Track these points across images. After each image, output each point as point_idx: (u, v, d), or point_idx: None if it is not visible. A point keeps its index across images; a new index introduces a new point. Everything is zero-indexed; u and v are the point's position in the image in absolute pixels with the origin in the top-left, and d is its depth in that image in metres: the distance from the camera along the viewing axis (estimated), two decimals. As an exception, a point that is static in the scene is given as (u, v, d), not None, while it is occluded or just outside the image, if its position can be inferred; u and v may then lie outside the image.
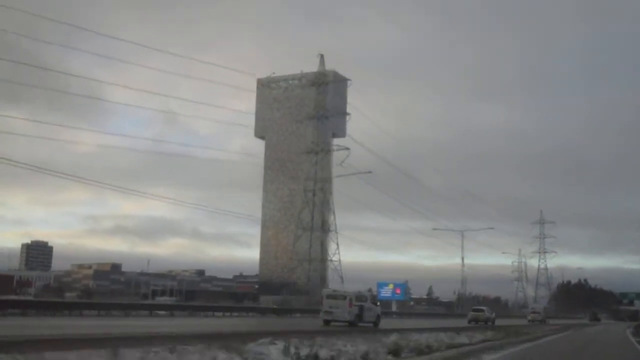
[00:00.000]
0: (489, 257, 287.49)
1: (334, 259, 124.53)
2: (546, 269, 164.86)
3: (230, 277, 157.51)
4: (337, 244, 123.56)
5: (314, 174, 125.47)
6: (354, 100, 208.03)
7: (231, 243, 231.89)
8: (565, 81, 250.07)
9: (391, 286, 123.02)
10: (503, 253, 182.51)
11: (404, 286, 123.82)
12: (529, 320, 69.12)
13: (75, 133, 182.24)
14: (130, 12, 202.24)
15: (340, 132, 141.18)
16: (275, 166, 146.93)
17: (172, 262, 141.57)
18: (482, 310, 58.50)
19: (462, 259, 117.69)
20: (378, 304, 40.80)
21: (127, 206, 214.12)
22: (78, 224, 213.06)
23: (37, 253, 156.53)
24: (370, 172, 74.73)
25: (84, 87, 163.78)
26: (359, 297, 35.44)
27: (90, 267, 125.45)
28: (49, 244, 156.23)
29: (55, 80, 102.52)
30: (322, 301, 35.00)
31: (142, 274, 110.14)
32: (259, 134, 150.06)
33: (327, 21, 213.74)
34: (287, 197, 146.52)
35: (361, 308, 34.12)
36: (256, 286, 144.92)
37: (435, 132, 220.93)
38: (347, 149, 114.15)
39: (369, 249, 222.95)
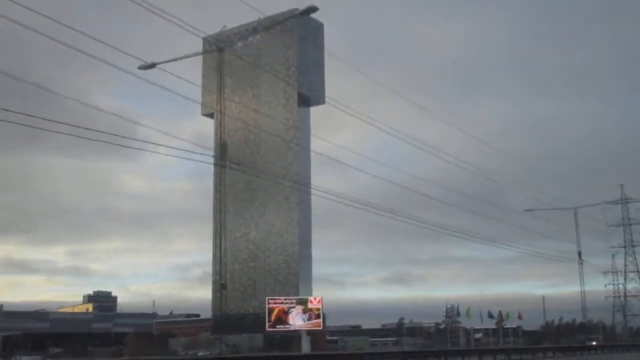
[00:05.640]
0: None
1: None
2: (638, 271, 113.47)
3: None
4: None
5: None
6: (420, 100, 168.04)
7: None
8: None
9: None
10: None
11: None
12: None
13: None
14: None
15: (317, 96, 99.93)
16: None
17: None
18: None
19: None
20: None
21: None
22: (171, 273, 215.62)
23: (100, 305, 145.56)
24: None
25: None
26: None
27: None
28: (113, 294, 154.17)
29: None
30: None
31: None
32: (207, 111, 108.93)
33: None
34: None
35: None
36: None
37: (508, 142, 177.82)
38: None
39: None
